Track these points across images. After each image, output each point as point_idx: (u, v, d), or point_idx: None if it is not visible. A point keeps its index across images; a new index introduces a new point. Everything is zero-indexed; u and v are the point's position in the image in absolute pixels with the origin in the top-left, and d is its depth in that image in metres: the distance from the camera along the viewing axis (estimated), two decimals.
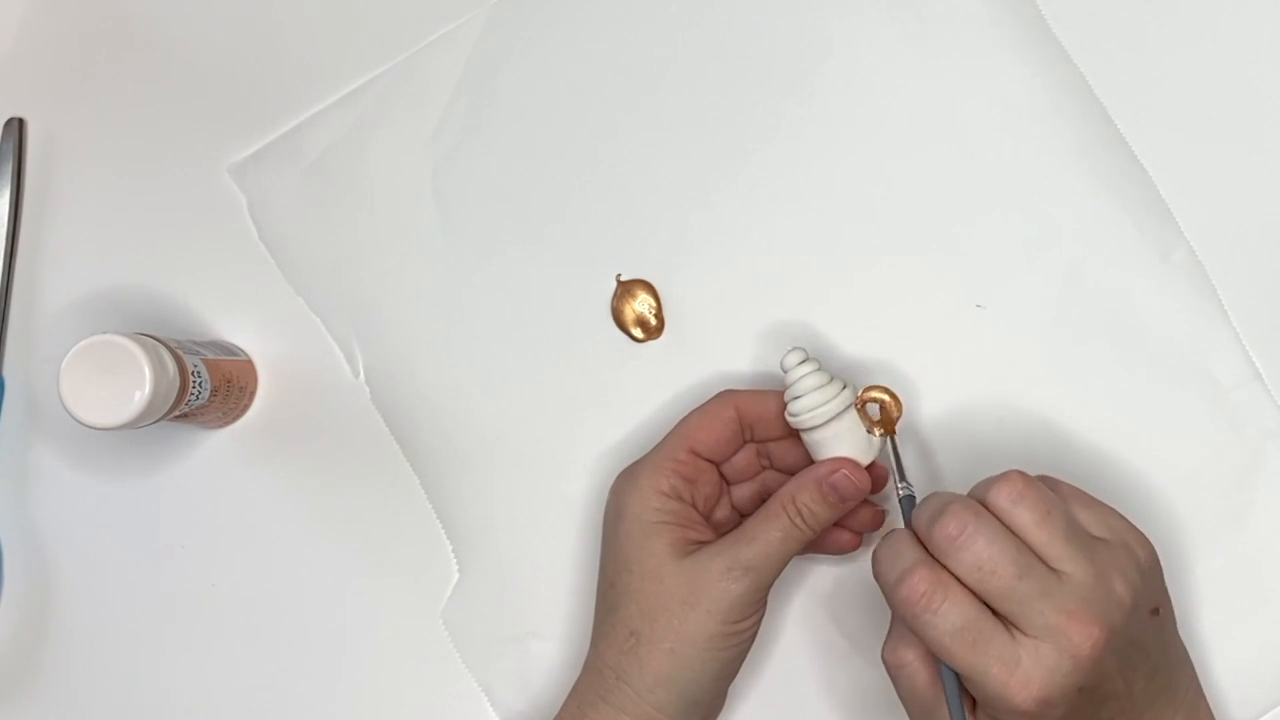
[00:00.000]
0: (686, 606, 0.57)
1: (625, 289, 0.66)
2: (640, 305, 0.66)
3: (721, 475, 0.62)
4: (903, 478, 0.57)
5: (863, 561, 0.64)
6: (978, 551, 0.51)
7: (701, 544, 0.59)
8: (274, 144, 0.68)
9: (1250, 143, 0.65)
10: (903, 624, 0.53)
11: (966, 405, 0.64)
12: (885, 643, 0.54)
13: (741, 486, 0.63)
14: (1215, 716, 0.58)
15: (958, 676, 0.52)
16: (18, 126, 0.69)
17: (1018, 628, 0.50)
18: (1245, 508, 0.63)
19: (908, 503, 0.56)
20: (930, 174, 0.65)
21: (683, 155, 0.67)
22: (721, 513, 0.62)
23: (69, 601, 0.67)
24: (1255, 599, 0.63)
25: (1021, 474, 0.53)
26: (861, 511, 0.62)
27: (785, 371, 0.59)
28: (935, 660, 0.52)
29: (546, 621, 0.66)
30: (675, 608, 0.57)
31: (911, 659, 0.53)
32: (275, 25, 0.69)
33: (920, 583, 0.51)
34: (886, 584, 0.52)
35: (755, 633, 0.59)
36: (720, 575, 0.57)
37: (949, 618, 0.50)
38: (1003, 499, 0.52)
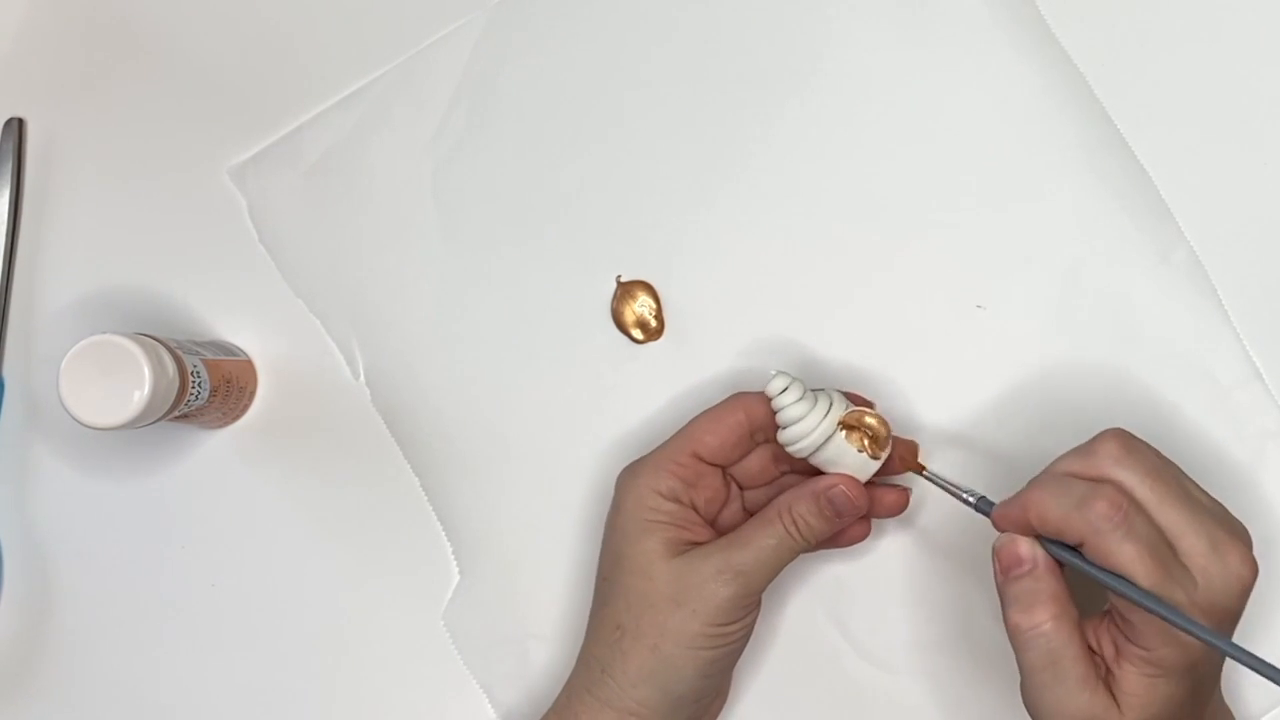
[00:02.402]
0: (673, 605, 0.57)
1: (625, 290, 0.66)
2: (640, 306, 0.66)
3: (733, 479, 0.62)
4: (962, 489, 0.57)
5: (862, 563, 0.64)
6: (1144, 460, 0.51)
7: (695, 544, 0.59)
8: (274, 146, 0.68)
9: (1250, 143, 0.65)
10: (1030, 586, 0.52)
11: (966, 405, 0.64)
12: (1010, 610, 0.52)
13: (757, 492, 0.62)
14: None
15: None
16: (18, 126, 0.69)
17: (1182, 549, 0.50)
18: (1246, 508, 0.63)
19: (985, 503, 0.56)
20: (930, 174, 0.65)
21: (682, 156, 0.67)
22: (732, 517, 0.62)
23: (69, 601, 0.67)
24: (1256, 598, 0.63)
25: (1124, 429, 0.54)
26: (887, 495, 0.61)
27: (770, 398, 0.58)
28: (1068, 619, 0.52)
29: (547, 623, 0.66)
30: (662, 605, 0.57)
31: (1044, 618, 0.51)
32: (275, 27, 0.69)
33: (1116, 496, 0.50)
34: (1062, 513, 0.51)
35: (746, 634, 0.59)
36: (710, 577, 0.57)
37: (1144, 532, 0.50)
38: (1132, 435, 0.53)
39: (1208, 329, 0.64)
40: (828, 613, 0.65)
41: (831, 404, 0.58)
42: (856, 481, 0.58)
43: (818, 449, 0.57)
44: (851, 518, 0.59)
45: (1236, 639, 0.55)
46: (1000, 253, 0.65)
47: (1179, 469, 0.54)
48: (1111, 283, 0.64)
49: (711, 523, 0.61)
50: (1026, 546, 0.53)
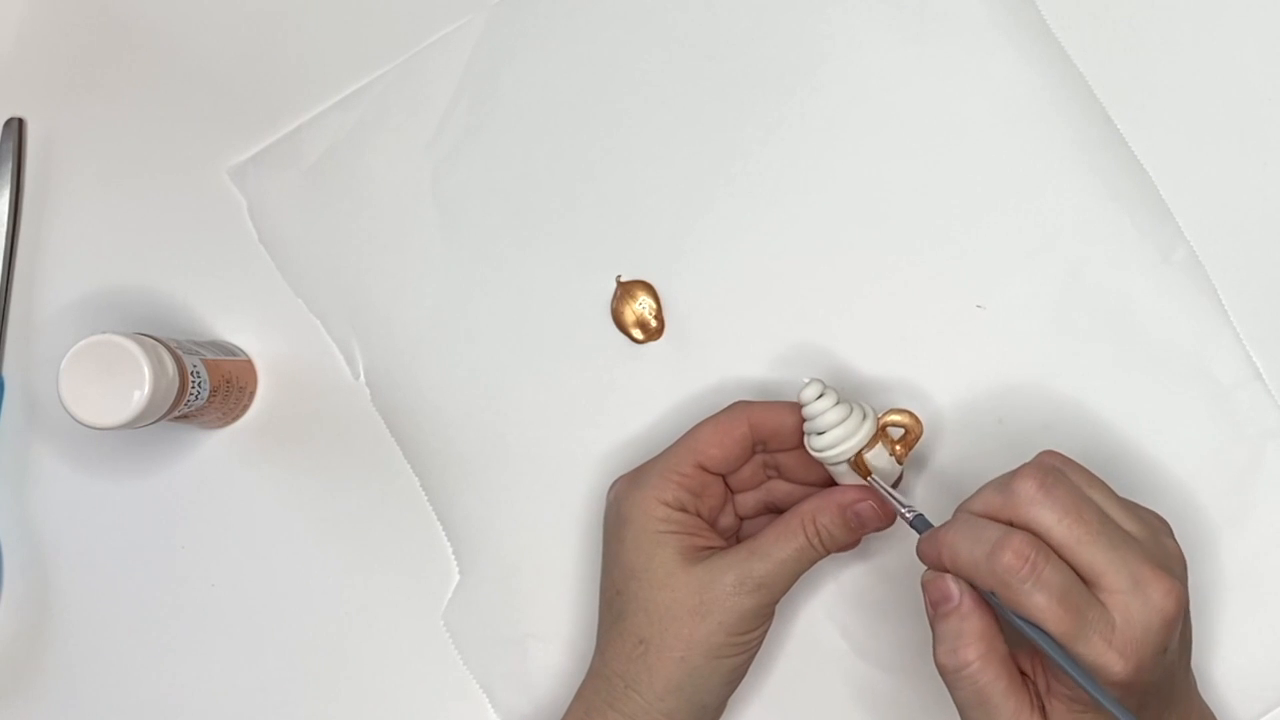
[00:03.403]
0: (697, 617, 0.57)
1: (625, 290, 0.66)
2: (640, 306, 0.66)
3: (726, 484, 0.62)
4: (902, 503, 0.56)
5: (862, 564, 0.64)
6: (1062, 499, 0.50)
7: (710, 549, 0.58)
8: (274, 146, 0.68)
9: (1250, 143, 0.65)
10: (956, 626, 0.51)
11: (966, 405, 0.64)
12: (937, 649, 0.51)
13: (745, 495, 0.62)
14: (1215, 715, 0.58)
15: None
16: (18, 126, 0.69)
17: (1101, 587, 0.49)
18: (1245, 508, 0.63)
19: (921, 522, 0.55)
20: (930, 174, 0.65)
21: (683, 156, 0.67)
22: (725, 520, 0.62)
23: (69, 601, 0.67)
24: (1255, 599, 0.63)
25: (1055, 451, 0.53)
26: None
27: (803, 405, 0.58)
28: (995, 656, 0.51)
29: (547, 623, 0.66)
30: (685, 617, 0.57)
31: (973, 658, 0.51)
32: (275, 27, 0.69)
33: (1024, 546, 0.49)
34: (972, 560, 0.50)
35: (763, 639, 0.59)
36: (732, 589, 0.57)
37: (1054, 581, 0.49)
38: (1054, 460, 0.52)
39: (1208, 329, 0.64)
40: (828, 613, 0.65)
41: (864, 411, 0.58)
42: (880, 495, 0.58)
43: (853, 455, 0.57)
44: (873, 529, 0.58)
45: (1198, 647, 0.55)
46: (1000, 253, 0.65)
47: (1105, 494, 0.52)
48: (1111, 283, 0.64)
49: (712, 525, 0.61)
50: (953, 583, 0.51)
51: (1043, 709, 0.51)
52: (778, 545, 0.57)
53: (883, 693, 0.64)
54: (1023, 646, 0.52)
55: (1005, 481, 0.51)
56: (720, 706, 0.60)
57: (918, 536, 0.54)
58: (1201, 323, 0.64)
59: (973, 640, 0.51)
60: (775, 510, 0.62)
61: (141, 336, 0.59)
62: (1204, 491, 0.63)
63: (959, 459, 0.64)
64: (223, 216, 0.68)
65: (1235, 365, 0.64)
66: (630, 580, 0.58)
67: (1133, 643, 0.49)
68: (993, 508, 0.51)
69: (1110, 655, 0.48)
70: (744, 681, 0.60)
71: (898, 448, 0.58)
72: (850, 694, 0.64)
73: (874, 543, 0.64)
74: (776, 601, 0.58)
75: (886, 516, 0.58)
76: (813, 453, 0.58)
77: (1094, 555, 0.49)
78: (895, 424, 0.58)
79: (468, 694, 0.66)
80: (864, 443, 0.57)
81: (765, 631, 0.59)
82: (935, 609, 0.52)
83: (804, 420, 0.58)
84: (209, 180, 0.69)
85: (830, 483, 0.59)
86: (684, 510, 0.59)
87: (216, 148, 0.69)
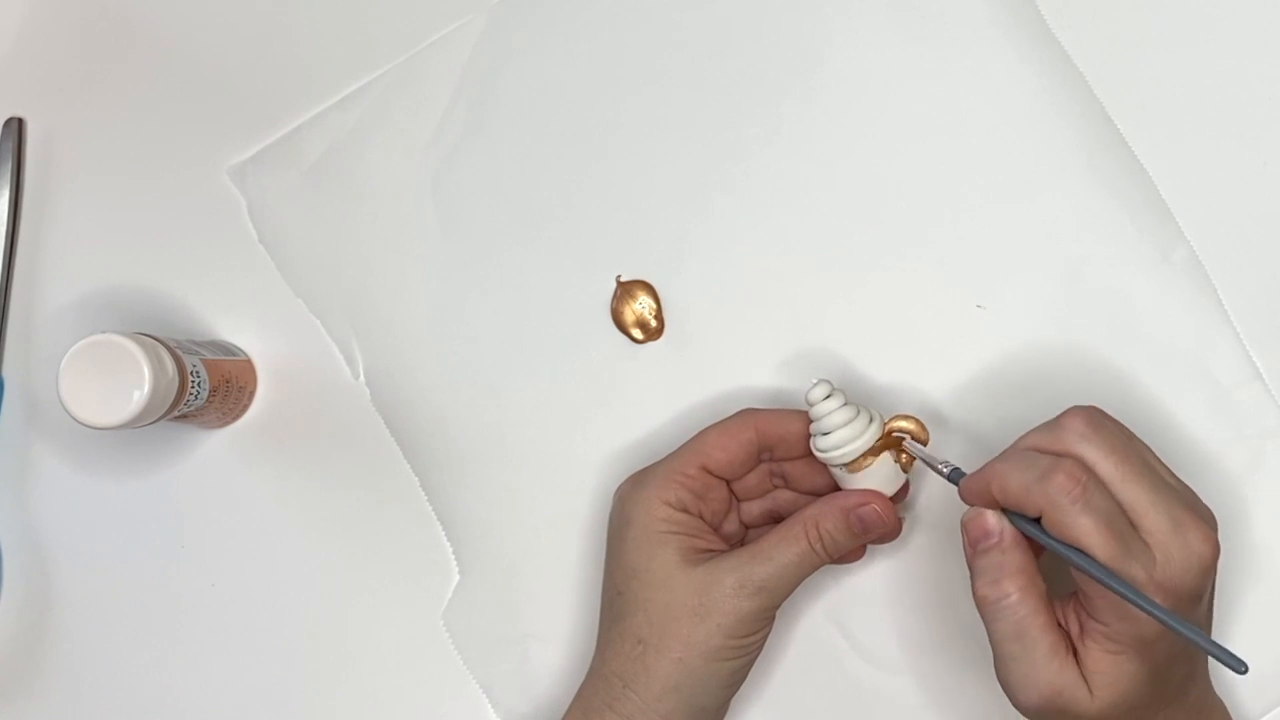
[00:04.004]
0: (696, 618, 0.57)
1: (625, 290, 0.66)
2: (640, 306, 0.66)
3: (731, 491, 0.62)
4: (938, 460, 0.57)
5: (863, 567, 0.64)
6: (1109, 438, 0.51)
7: (711, 551, 0.58)
8: (274, 146, 0.68)
9: (1250, 143, 0.65)
10: (996, 559, 0.52)
11: (966, 405, 0.64)
12: (977, 582, 0.52)
13: (751, 503, 0.62)
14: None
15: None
16: (18, 126, 0.69)
17: (1142, 527, 0.50)
18: (1245, 508, 0.63)
19: (958, 474, 0.55)
20: (930, 174, 0.65)
21: (682, 156, 0.67)
22: (730, 526, 0.62)
23: (69, 601, 0.67)
24: (1256, 598, 0.63)
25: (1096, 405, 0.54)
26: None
27: (810, 405, 0.58)
28: (1035, 591, 0.51)
29: (547, 623, 0.66)
30: (684, 618, 0.57)
31: (1013, 589, 0.51)
32: (275, 27, 0.69)
33: (1076, 469, 0.50)
34: (1023, 484, 0.51)
35: (763, 642, 0.59)
36: (732, 592, 0.57)
37: (1101, 506, 0.50)
38: (1098, 412, 0.53)
39: (1208, 329, 0.64)
40: (828, 613, 0.65)
41: (871, 415, 0.58)
42: (886, 499, 0.58)
43: (857, 459, 0.57)
44: (877, 535, 0.58)
45: (1215, 628, 0.55)
46: (1000, 253, 0.65)
47: (1146, 447, 0.53)
48: (1111, 283, 0.64)
49: (715, 530, 0.61)
50: (993, 519, 0.52)
51: (1076, 654, 0.52)
52: (779, 549, 0.57)
53: (883, 693, 0.64)
54: (1057, 596, 0.53)
55: (1053, 421, 0.53)
56: (720, 709, 0.60)
57: (930, 526, 0.54)
58: (1201, 323, 0.64)
59: (1013, 573, 0.52)
60: (780, 519, 0.62)
61: (141, 336, 0.59)
62: (1204, 491, 0.63)
63: (958, 459, 0.64)
64: (223, 216, 0.68)
65: (1235, 365, 0.64)
66: (631, 580, 0.58)
67: (1171, 580, 0.49)
68: (1041, 444, 0.52)
69: (1151, 587, 0.49)
70: (745, 682, 0.60)
71: (903, 456, 0.58)
72: (850, 695, 0.64)
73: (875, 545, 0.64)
74: (777, 606, 0.58)
75: (891, 523, 0.58)
76: (817, 453, 0.58)
77: (1137, 494, 0.50)
78: (902, 430, 0.58)
79: (468, 694, 0.66)
80: (869, 446, 0.57)
81: (765, 636, 0.58)
82: (975, 546, 0.53)
83: (810, 421, 0.58)
84: (209, 180, 0.69)
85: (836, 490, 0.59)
86: (686, 511, 0.59)
87: (216, 148, 0.69)
